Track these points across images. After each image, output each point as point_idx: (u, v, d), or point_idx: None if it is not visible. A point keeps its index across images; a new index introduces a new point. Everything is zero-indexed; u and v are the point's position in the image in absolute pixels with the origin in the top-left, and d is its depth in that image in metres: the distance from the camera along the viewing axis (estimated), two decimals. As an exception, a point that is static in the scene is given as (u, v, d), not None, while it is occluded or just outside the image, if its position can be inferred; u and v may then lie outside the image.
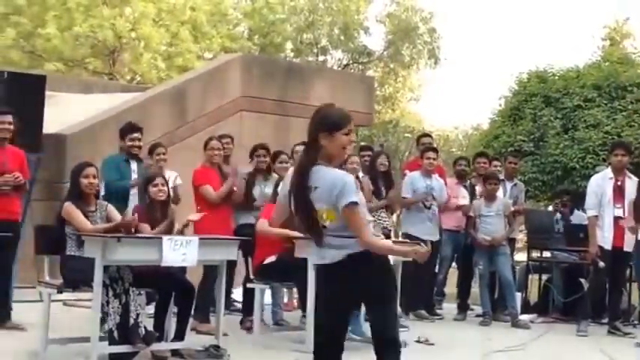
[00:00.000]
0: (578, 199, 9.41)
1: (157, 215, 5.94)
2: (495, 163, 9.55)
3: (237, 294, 8.10)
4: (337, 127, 3.54)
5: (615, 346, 7.26)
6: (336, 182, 3.51)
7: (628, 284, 8.67)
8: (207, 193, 7.24)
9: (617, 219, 7.80)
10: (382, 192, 8.27)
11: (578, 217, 9.18)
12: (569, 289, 8.90)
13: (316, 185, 3.55)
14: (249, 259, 7.09)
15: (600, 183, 8.03)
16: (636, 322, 8.60)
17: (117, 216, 5.73)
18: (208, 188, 7.25)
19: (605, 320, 8.34)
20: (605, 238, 7.84)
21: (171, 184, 6.78)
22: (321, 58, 30.42)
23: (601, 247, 7.83)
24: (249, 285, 6.94)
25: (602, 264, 7.80)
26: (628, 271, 8.39)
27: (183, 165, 8.07)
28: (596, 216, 7.89)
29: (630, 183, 7.90)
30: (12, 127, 6.59)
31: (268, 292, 7.46)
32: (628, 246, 7.73)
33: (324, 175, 3.55)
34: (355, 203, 3.49)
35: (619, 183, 7.92)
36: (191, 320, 6.43)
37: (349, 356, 3.80)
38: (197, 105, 10.76)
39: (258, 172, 7.55)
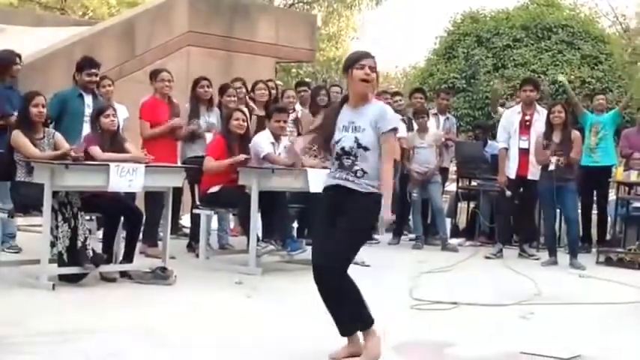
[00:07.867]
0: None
1: (106, 145, 5.80)
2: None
3: (187, 220, 8.06)
4: (351, 64, 3.71)
5: (521, 266, 7.51)
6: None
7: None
8: (143, 128, 7.09)
9: (522, 150, 7.98)
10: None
11: (492, 148, 9.32)
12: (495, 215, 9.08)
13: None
14: (196, 187, 7.06)
15: (509, 117, 8.22)
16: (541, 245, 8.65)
17: (64, 143, 5.61)
18: (145, 125, 7.08)
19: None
20: (510, 168, 8.06)
21: (121, 120, 6.59)
22: (267, -4, 29.80)
23: (508, 177, 8.03)
24: (195, 211, 6.91)
25: (508, 193, 8.03)
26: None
27: (132, 98, 7.88)
28: (506, 148, 8.10)
29: (539, 117, 8.03)
30: None
31: (215, 218, 7.45)
32: (532, 175, 7.92)
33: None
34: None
35: (527, 117, 8.07)
36: (140, 244, 6.40)
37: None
38: (145, 39, 10.46)
39: (201, 102, 7.36)
